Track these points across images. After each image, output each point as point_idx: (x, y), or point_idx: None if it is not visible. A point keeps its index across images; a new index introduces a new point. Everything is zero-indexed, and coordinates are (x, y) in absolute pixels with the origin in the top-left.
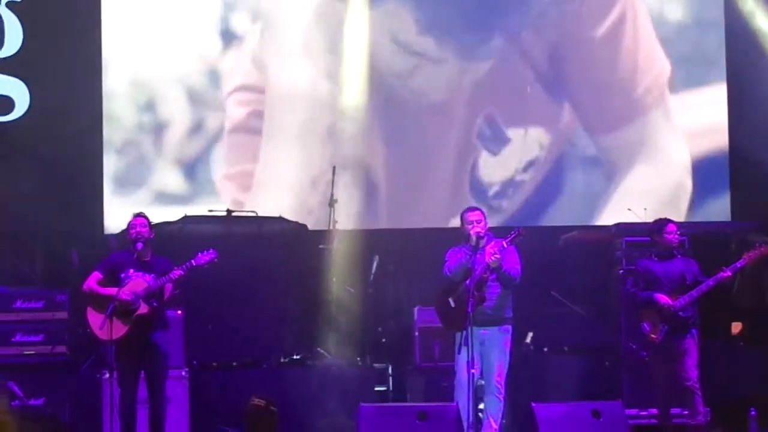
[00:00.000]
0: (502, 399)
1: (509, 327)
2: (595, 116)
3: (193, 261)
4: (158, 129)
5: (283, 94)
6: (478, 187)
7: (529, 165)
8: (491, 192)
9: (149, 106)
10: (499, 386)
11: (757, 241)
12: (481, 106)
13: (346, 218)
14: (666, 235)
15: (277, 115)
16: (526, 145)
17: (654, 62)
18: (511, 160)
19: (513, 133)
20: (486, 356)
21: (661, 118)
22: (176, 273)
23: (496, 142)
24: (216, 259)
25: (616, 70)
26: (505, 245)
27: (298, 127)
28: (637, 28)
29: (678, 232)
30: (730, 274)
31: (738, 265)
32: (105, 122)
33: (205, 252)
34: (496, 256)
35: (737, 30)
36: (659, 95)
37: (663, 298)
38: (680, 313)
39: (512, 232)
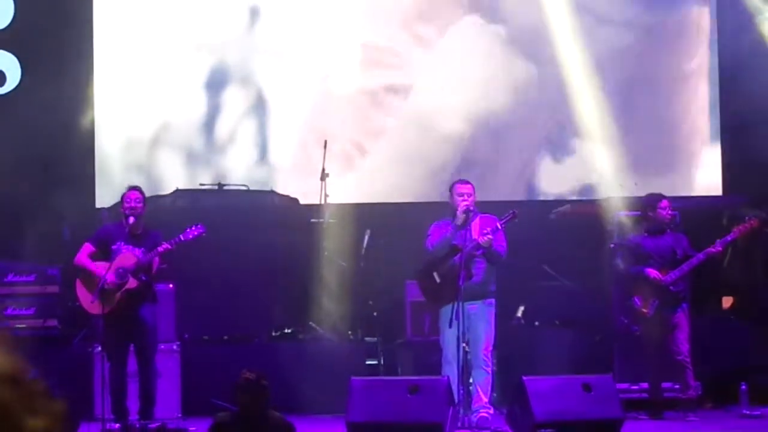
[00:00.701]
0: (490, 371)
1: (493, 300)
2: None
3: (181, 236)
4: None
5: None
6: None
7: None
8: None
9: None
10: (486, 359)
11: (748, 215)
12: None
13: (338, 192)
14: (660, 210)
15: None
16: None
17: None
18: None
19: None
20: (473, 330)
21: None
22: (164, 247)
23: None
24: (204, 234)
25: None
26: (500, 227)
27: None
28: None
29: (670, 208)
30: (720, 248)
31: (728, 239)
32: (96, 95)
33: (194, 227)
34: (489, 236)
35: (726, 4)
36: None
37: (653, 273)
38: (671, 287)
39: (507, 214)
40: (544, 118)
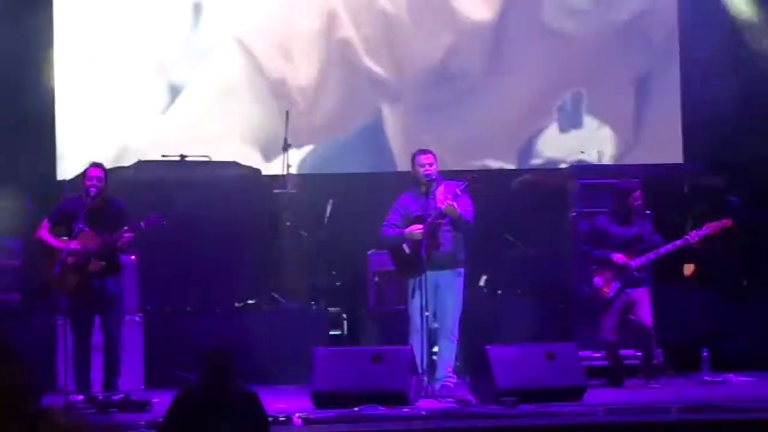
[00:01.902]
0: (455, 341)
1: (462, 269)
2: None
3: (142, 223)
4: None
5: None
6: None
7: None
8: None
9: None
10: (453, 329)
11: (724, 213)
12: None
13: (300, 162)
14: (632, 200)
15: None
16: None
17: None
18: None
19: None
20: (440, 300)
21: None
22: (126, 236)
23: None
24: (163, 224)
25: None
26: (459, 192)
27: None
28: None
29: (642, 199)
30: (690, 241)
31: (700, 233)
32: (57, 66)
33: (155, 216)
34: (449, 202)
35: None
36: None
37: (620, 257)
38: (635, 273)
39: (465, 178)
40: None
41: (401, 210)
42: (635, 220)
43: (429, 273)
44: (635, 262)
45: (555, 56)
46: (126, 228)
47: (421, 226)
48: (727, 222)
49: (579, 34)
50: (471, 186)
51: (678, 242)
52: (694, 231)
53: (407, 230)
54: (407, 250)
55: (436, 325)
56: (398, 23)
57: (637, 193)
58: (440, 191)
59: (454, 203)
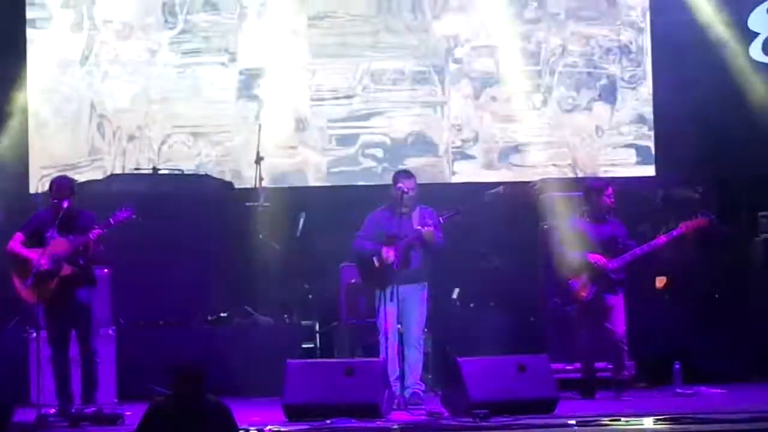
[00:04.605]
0: (421, 350)
1: (426, 283)
2: None
3: (111, 219)
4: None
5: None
6: None
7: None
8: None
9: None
10: (419, 339)
11: (698, 210)
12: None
13: (272, 175)
14: (605, 197)
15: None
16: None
17: None
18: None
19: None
20: (407, 312)
21: None
22: (96, 232)
23: None
24: (133, 216)
25: None
26: (442, 221)
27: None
28: None
29: (614, 197)
30: (665, 241)
31: (674, 233)
32: (30, 71)
33: (123, 210)
34: (429, 228)
35: None
36: None
37: (597, 258)
38: (612, 275)
39: (450, 211)
40: None
41: (376, 226)
42: (609, 221)
43: (395, 287)
44: (612, 264)
45: None
46: (96, 225)
47: (393, 252)
48: (702, 221)
49: None
50: (455, 217)
51: (654, 242)
52: (667, 233)
53: (384, 253)
54: (376, 264)
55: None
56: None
57: (609, 190)
58: (417, 214)
59: (433, 229)
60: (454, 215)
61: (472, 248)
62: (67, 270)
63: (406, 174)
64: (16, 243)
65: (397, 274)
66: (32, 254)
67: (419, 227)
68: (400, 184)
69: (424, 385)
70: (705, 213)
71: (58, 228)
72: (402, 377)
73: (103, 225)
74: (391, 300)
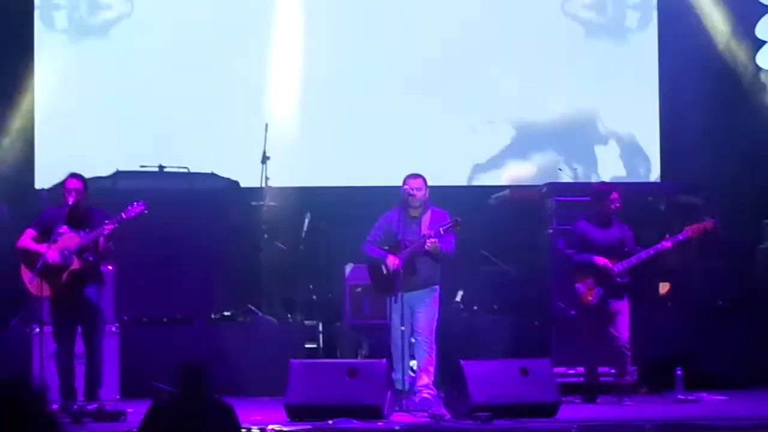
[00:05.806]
0: (433, 354)
1: (437, 286)
2: None
3: (123, 213)
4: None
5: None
6: None
7: None
8: None
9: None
10: (429, 340)
11: (702, 215)
12: None
13: (279, 175)
14: (610, 202)
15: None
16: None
17: None
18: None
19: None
20: (416, 315)
21: None
22: (107, 228)
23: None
24: (146, 211)
25: None
26: (442, 232)
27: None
28: None
29: (620, 201)
30: (670, 244)
31: (680, 237)
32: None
33: (135, 204)
34: (433, 241)
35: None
36: None
37: (603, 261)
38: (617, 278)
39: (450, 221)
40: None
41: (386, 228)
42: (616, 224)
43: (404, 294)
44: (618, 267)
45: None
46: (107, 221)
47: (398, 261)
48: (708, 224)
49: None
50: (454, 228)
51: (659, 246)
52: (673, 236)
53: (389, 262)
54: (385, 271)
55: (413, 340)
56: None
57: (615, 194)
58: (427, 217)
59: (437, 241)
60: (455, 225)
61: (476, 251)
62: (77, 264)
63: (414, 174)
64: (27, 239)
65: (405, 280)
66: (43, 248)
67: (427, 232)
68: (406, 185)
69: (436, 391)
70: (711, 217)
71: (69, 224)
72: (402, 374)
73: (116, 220)
74: (400, 304)
